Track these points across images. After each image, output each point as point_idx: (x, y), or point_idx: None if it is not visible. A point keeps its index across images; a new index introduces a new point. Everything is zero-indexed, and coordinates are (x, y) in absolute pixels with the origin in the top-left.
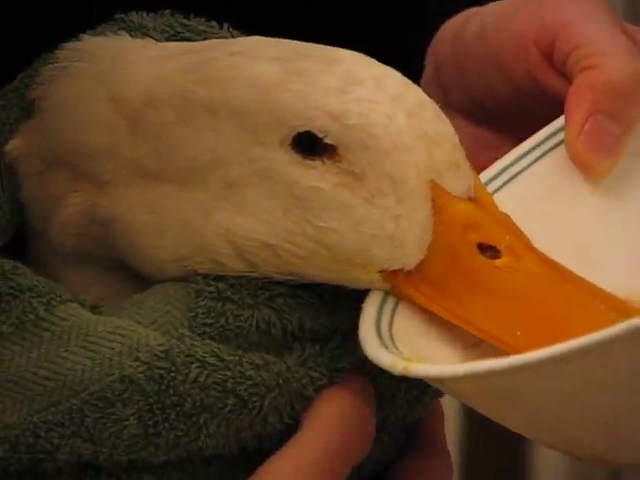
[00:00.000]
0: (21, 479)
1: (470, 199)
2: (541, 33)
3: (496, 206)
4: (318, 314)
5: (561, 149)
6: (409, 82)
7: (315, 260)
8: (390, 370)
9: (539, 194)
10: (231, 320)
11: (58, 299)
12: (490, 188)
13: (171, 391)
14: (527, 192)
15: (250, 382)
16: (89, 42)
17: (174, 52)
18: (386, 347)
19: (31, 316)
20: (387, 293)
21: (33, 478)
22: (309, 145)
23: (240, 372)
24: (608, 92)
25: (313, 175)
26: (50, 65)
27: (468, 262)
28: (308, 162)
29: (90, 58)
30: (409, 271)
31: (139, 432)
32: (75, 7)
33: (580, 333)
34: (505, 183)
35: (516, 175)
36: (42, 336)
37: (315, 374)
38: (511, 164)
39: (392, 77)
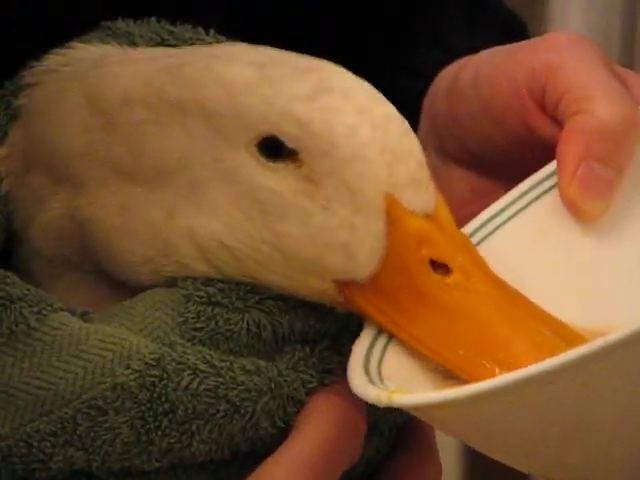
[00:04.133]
0: None
1: (428, 216)
2: (532, 79)
3: (454, 226)
4: (308, 316)
5: (553, 193)
6: (380, 96)
7: (272, 266)
8: (376, 403)
9: (532, 236)
10: (221, 324)
11: (49, 308)
12: (483, 232)
13: (163, 398)
14: (520, 235)
15: (242, 387)
16: (76, 48)
17: (157, 55)
18: (373, 383)
19: (22, 326)
20: (379, 331)
21: None
22: (273, 149)
23: (232, 378)
24: (599, 137)
25: (275, 179)
26: (36, 70)
27: (419, 277)
28: (271, 165)
29: (76, 63)
30: (363, 283)
31: (132, 440)
32: (61, 15)
33: (522, 357)
34: (498, 226)
35: (509, 219)
36: (34, 346)
37: (306, 377)
38: (504, 208)
39: (363, 90)
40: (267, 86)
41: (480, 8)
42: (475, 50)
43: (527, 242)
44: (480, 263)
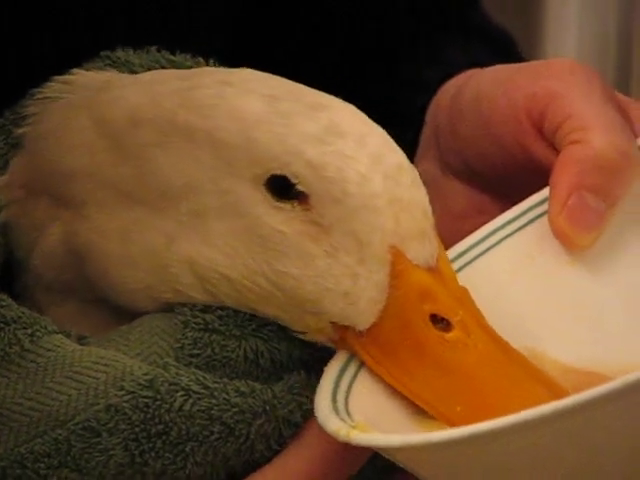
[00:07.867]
0: None
1: (430, 269)
2: (532, 104)
3: (455, 280)
4: (306, 343)
5: (544, 219)
6: (392, 143)
7: (271, 300)
8: (334, 436)
9: (519, 262)
10: (217, 350)
11: (43, 330)
12: (471, 254)
13: (156, 419)
14: (508, 259)
15: (236, 409)
16: (78, 75)
17: (167, 77)
18: (337, 411)
19: (16, 348)
20: (351, 357)
21: None
22: (281, 188)
23: (225, 399)
24: (593, 167)
25: (280, 218)
26: (38, 97)
27: (419, 331)
28: (278, 204)
29: (79, 90)
30: (360, 331)
31: (125, 461)
32: (60, 44)
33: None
34: (487, 250)
35: (498, 242)
36: (27, 367)
37: (302, 399)
38: (494, 231)
39: (376, 135)
40: (278, 123)
41: (470, 24)
42: (473, 65)
43: (514, 267)
44: (479, 318)
